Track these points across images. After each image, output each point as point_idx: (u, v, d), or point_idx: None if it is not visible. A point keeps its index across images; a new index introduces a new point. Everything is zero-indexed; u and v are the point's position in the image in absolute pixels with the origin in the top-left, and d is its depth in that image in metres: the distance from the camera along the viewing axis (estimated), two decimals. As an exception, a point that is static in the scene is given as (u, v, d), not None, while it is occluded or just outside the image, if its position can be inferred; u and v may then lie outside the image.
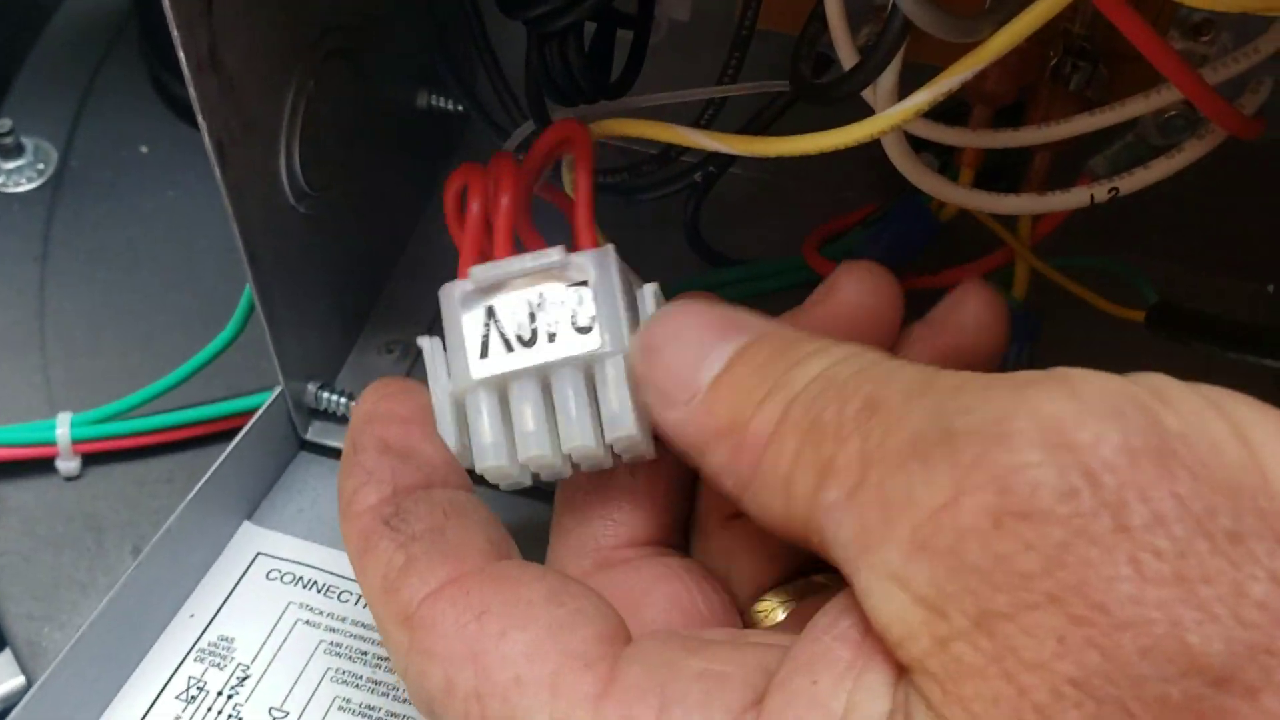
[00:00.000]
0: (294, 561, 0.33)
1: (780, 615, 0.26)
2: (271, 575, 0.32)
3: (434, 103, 0.37)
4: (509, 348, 0.25)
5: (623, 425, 0.24)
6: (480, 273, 0.25)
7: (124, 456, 0.39)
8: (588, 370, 0.25)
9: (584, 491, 0.27)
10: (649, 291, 0.26)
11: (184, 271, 0.43)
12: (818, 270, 0.36)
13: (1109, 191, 0.28)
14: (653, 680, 0.20)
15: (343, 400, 0.34)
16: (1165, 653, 0.16)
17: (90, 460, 0.39)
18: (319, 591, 0.32)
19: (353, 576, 0.24)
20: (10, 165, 0.46)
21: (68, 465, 0.38)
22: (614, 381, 0.24)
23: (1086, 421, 0.17)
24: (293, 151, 0.29)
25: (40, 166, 0.46)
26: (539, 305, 0.25)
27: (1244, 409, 0.17)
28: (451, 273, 0.31)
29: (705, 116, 0.33)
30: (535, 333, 0.25)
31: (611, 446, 0.25)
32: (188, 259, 0.44)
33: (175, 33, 0.23)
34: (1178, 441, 0.17)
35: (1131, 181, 0.28)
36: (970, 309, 0.26)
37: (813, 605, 0.24)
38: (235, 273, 0.42)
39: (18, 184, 0.46)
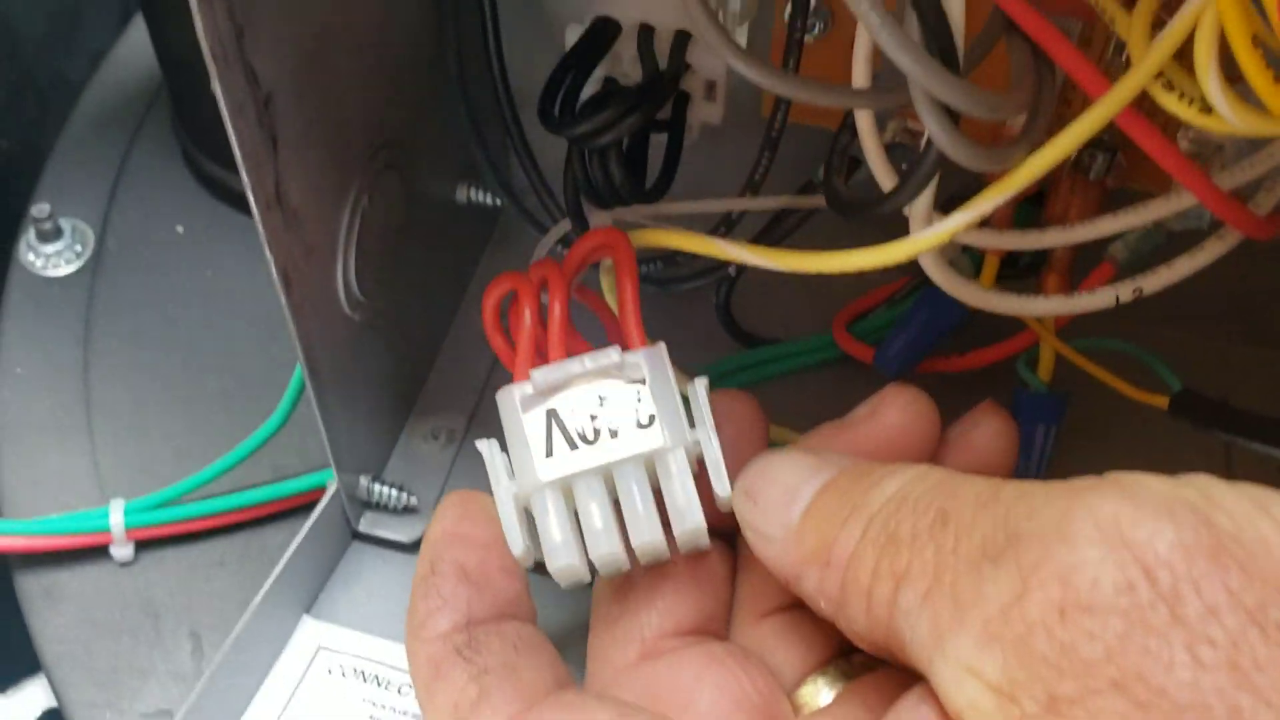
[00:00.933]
0: (355, 655, 0.34)
1: (826, 697, 0.27)
2: (333, 670, 0.34)
3: (473, 197, 0.38)
4: (573, 446, 0.26)
5: (691, 519, 0.26)
6: (541, 376, 0.26)
7: (176, 541, 0.40)
8: (649, 466, 0.26)
9: (631, 581, 0.28)
10: (700, 386, 0.27)
11: (225, 351, 0.45)
12: (846, 349, 0.37)
13: (1134, 291, 0.29)
14: None
15: (393, 492, 0.35)
16: None
17: (143, 546, 0.40)
18: (380, 686, 0.33)
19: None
20: (49, 249, 0.47)
21: (122, 552, 0.39)
22: (679, 476, 0.26)
23: (1142, 521, 0.18)
24: (349, 266, 0.30)
25: (78, 248, 0.47)
26: (600, 404, 0.26)
27: None
28: (488, 358, 0.32)
29: (736, 214, 0.34)
30: (598, 431, 0.26)
31: (673, 539, 0.26)
32: (228, 338, 0.45)
33: (245, 176, 0.24)
34: (1228, 539, 0.18)
35: (1155, 280, 0.29)
36: (983, 433, 0.28)
37: (860, 686, 0.26)
38: (275, 352, 0.44)
39: (57, 267, 0.47)
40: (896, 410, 0.27)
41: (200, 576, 0.40)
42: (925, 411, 0.28)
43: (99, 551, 0.40)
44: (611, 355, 0.26)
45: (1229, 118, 0.24)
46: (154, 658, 0.38)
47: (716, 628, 0.29)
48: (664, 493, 0.26)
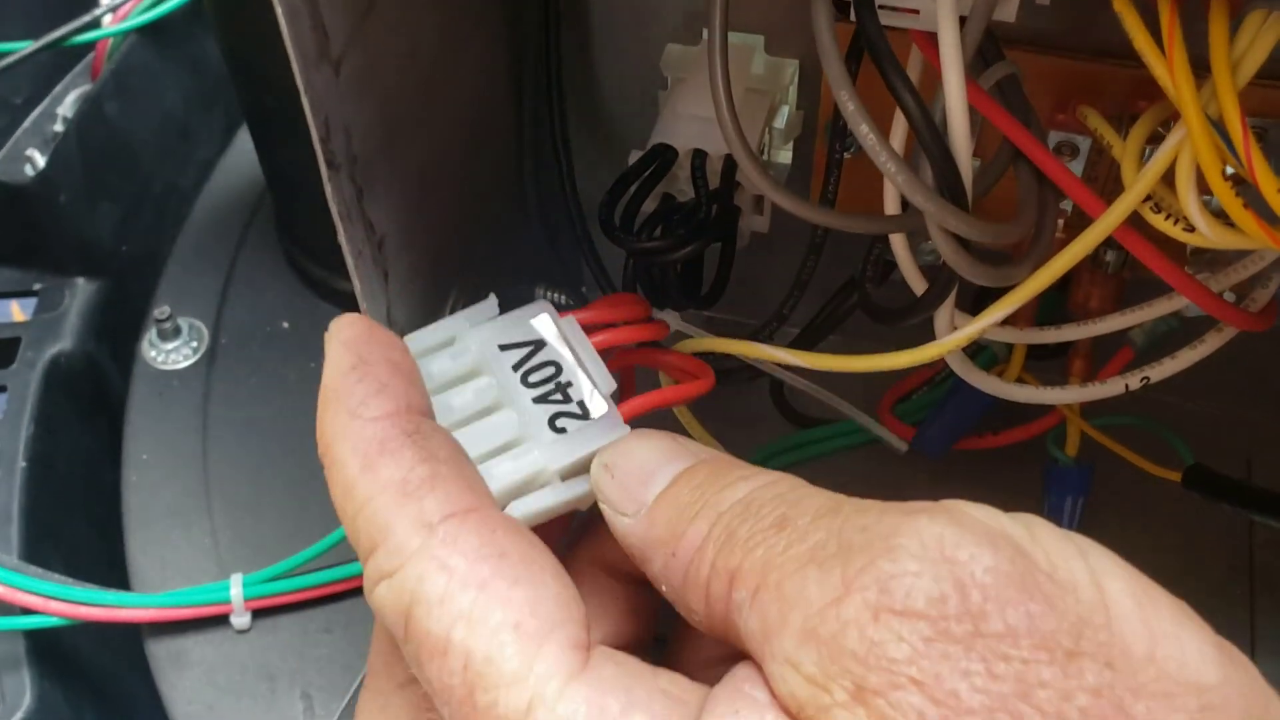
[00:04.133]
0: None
1: None
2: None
3: (549, 297, 0.42)
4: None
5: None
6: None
7: (288, 609, 0.44)
8: None
9: None
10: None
11: (327, 437, 0.49)
12: (891, 429, 0.41)
13: (1140, 380, 0.32)
14: (621, 682, 0.23)
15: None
16: None
17: (259, 614, 0.44)
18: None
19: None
20: (169, 346, 0.52)
21: (240, 620, 0.44)
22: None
23: (964, 544, 0.20)
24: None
25: (194, 344, 0.52)
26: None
27: (1106, 562, 0.21)
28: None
29: (786, 308, 0.38)
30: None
31: None
32: (330, 425, 0.49)
33: (362, 305, 0.29)
34: (1041, 575, 0.20)
35: (1161, 370, 0.32)
36: None
37: None
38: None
39: (176, 362, 0.52)
40: None
41: (310, 642, 0.44)
42: None
43: (220, 620, 0.44)
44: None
45: (1209, 235, 0.28)
46: (270, 716, 0.42)
47: None
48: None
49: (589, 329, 0.30)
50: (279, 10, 0.22)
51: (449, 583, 0.23)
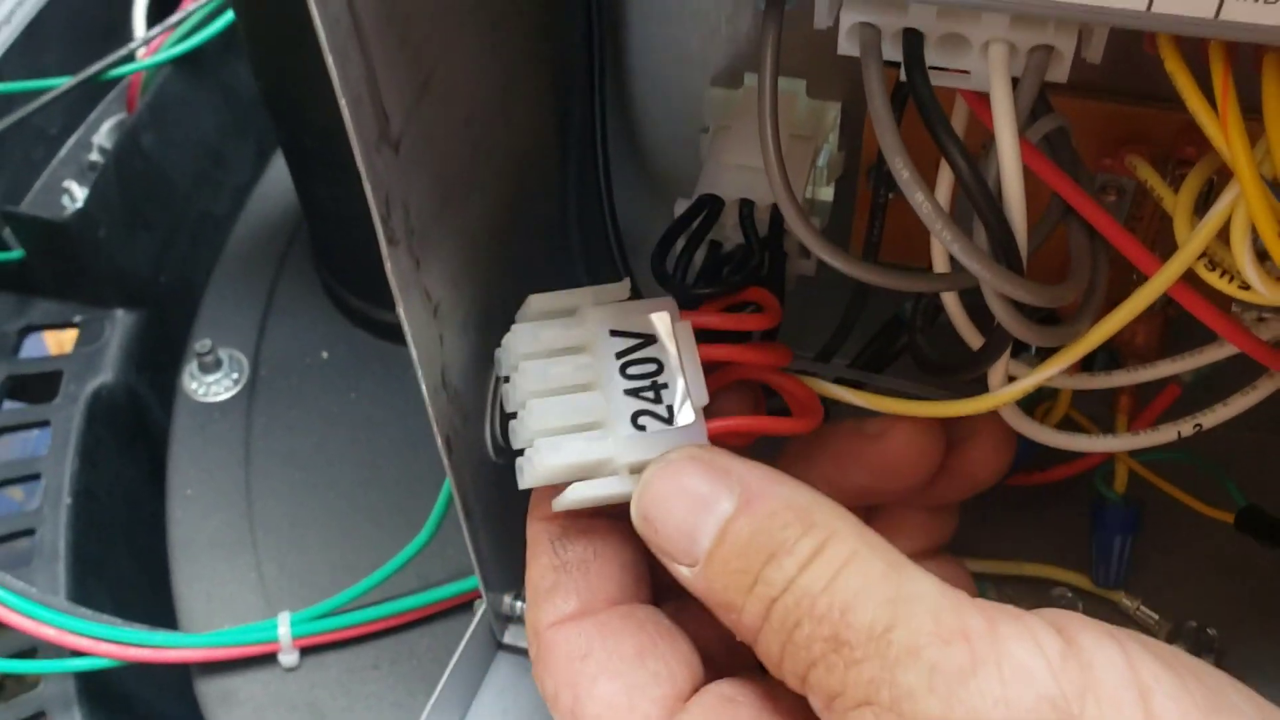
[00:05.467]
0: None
1: None
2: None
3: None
4: None
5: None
6: None
7: (336, 647, 0.45)
8: None
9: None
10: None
11: (371, 467, 0.49)
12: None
13: (1194, 427, 0.32)
14: None
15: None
16: None
17: (307, 652, 0.45)
18: (530, 785, 0.37)
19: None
20: (210, 379, 0.52)
21: (289, 659, 0.44)
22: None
23: None
24: (494, 421, 0.34)
25: (235, 376, 0.53)
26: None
27: (1156, 681, 0.22)
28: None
29: (831, 347, 0.38)
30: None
31: None
32: (373, 457, 0.50)
33: (419, 369, 0.29)
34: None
35: (1213, 417, 0.32)
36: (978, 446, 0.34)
37: None
38: (416, 468, 0.49)
39: (217, 394, 0.52)
40: (901, 439, 0.32)
41: (358, 679, 0.44)
42: (924, 446, 0.32)
43: (268, 659, 0.44)
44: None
45: (1264, 294, 0.28)
46: (321, 756, 0.42)
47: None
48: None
49: (714, 336, 0.31)
50: (342, 100, 0.22)
51: (554, 685, 0.29)
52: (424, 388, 0.29)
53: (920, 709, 0.22)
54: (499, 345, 0.31)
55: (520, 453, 0.29)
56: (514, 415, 0.30)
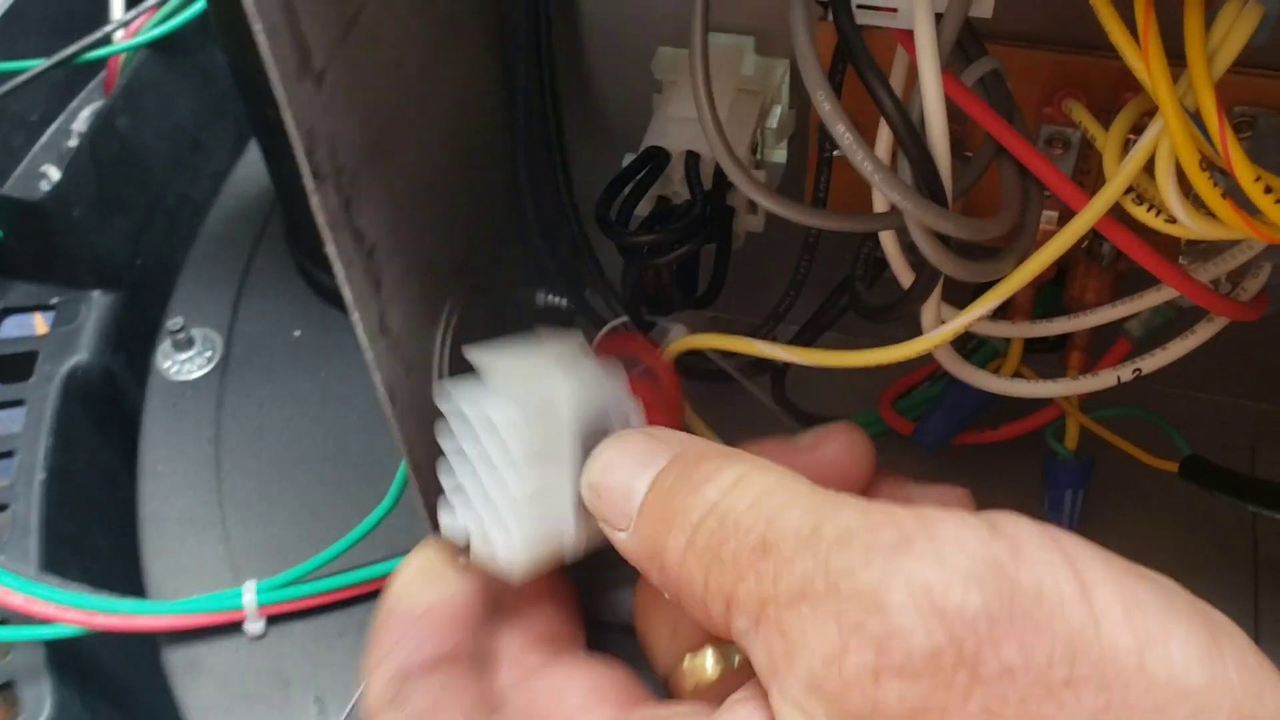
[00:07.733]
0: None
1: (710, 673, 0.30)
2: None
3: (550, 300, 0.42)
4: None
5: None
6: None
7: (302, 615, 0.45)
8: None
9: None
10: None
11: (339, 444, 0.50)
12: (891, 424, 0.41)
13: (1133, 372, 0.32)
14: None
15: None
16: None
17: (273, 620, 0.45)
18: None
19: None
20: (183, 357, 0.53)
21: (254, 627, 0.44)
22: None
23: (951, 588, 0.21)
24: (443, 374, 0.35)
25: (208, 354, 0.53)
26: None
27: (1092, 563, 0.22)
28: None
29: (782, 306, 0.38)
30: None
31: None
32: (341, 431, 0.50)
33: (353, 314, 0.29)
34: (1029, 600, 0.21)
35: (1152, 361, 0.32)
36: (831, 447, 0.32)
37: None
38: (382, 442, 0.49)
39: (190, 372, 0.52)
40: (835, 447, 0.31)
41: (324, 646, 0.44)
42: (860, 453, 0.31)
43: (234, 627, 0.44)
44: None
45: (1190, 226, 0.28)
46: (284, 721, 0.42)
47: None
48: None
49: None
50: (256, 27, 0.23)
51: None
52: (359, 332, 0.29)
53: (859, 582, 0.22)
54: (448, 303, 0.32)
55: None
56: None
